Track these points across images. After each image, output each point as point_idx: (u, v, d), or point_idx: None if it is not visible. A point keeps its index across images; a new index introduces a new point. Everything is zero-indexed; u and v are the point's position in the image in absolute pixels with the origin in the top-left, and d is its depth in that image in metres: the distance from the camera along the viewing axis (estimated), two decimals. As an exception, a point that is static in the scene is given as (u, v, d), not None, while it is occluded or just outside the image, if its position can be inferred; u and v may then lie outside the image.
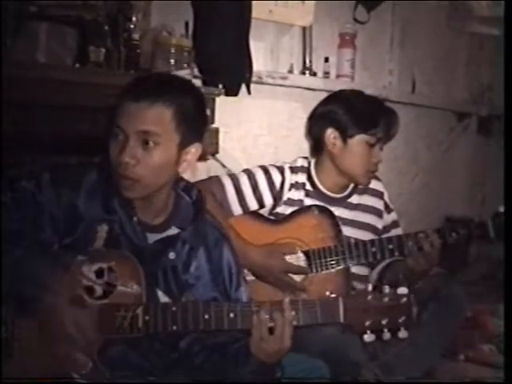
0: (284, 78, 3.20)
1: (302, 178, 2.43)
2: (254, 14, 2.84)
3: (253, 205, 2.37)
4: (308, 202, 2.41)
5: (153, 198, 1.75)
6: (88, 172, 1.74)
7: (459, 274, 3.65)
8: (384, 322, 1.64)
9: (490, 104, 4.25)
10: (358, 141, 2.37)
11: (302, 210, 2.39)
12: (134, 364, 1.70)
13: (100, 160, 1.76)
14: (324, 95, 3.30)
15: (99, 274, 1.63)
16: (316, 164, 2.46)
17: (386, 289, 1.67)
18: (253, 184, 2.37)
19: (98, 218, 1.70)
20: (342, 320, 1.66)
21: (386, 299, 1.66)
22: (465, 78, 4.28)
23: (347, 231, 2.40)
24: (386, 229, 2.51)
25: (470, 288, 3.17)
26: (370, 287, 1.69)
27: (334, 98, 2.52)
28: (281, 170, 2.41)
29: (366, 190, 2.51)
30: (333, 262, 2.33)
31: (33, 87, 2.17)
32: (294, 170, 2.43)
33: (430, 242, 2.27)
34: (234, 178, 2.38)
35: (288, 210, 2.39)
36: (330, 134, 2.40)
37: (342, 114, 2.40)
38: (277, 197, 2.38)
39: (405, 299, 1.66)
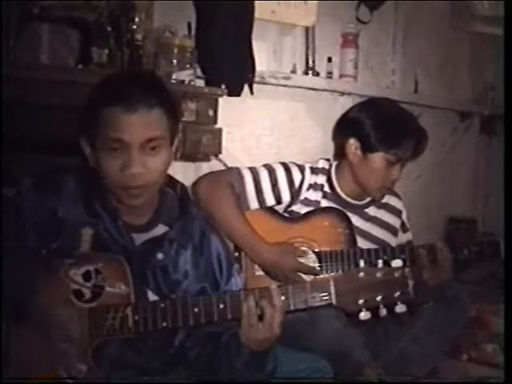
0: (287, 78, 3.20)
1: (321, 179, 2.42)
2: (257, 14, 2.84)
3: (270, 200, 2.37)
4: (324, 203, 2.40)
5: None
6: (68, 176, 1.73)
7: (462, 273, 3.65)
8: (378, 298, 1.61)
9: (493, 104, 4.24)
10: (378, 157, 2.35)
11: (318, 211, 2.39)
12: (129, 364, 1.69)
13: (79, 164, 1.75)
14: (327, 95, 3.34)
15: (87, 276, 1.63)
16: (337, 167, 2.45)
17: (379, 264, 1.64)
18: (272, 180, 2.36)
19: (82, 222, 1.69)
20: (334, 301, 1.63)
21: (379, 274, 1.62)
22: (468, 78, 4.27)
23: (359, 242, 2.39)
24: None
25: (474, 288, 3.17)
26: (361, 263, 1.66)
27: (365, 106, 2.48)
28: (301, 169, 2.40)
29: (385, 206, 2.50)
30: (343, 266, 2.32)
31: (35, 88, 2.17)
32: (314, 170, 2.42)
33: (442, 255, 2.26)
34: (254, 172, 2.38)
35: (303, 210, 2.39)
36: (352, 144, 2.39)
37: (367, 127, 2.37)
38: (294, 195, 2.38)
39: (399, 272, 1.62)
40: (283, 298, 1.63)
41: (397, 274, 1.62)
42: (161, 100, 1.66)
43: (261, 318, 1.62)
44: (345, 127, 2.47)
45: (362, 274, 1.63)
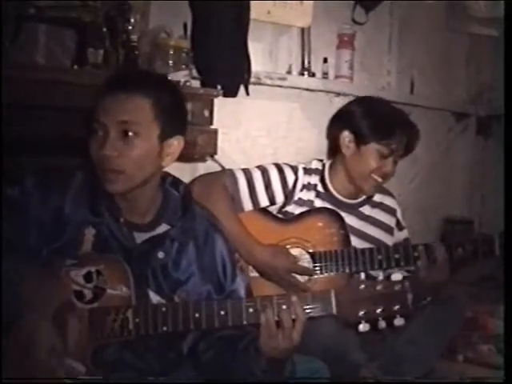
0: (282, 79, 3.20)
1: (314, 179, 2.43)
2: (253, 15, 2.85)
3: (264, 201, 2.37)
4: (318, 203, 2.41)
5: (138, 197, 1.74)
6: (73, 175, 1.74)
7: (458, 274, 3.65)
8: (378, 310, 1.63)
9: (488, 104, 4.25)
10: (371, 149, 2.36)
11: (312, 211, 2.39)
12: (131, 366, 1.69)
13: (84, 162, 1.76)
14: (323, 96, 3.34)
15: (88, 278, 1.63)
16: (330, 166, 2.46)
17: (380, 276, 1.66)
18: (266, 181, 2.37)
19: (85, 221, 1.69)
20: (334, 312, 1.64)
21: (380, 287, 1.64)
22: (463, 79, 4.28)
23: (353, 241, 2.39)
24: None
25: (470, 289, 3.17)
26: (362, 276, 1.68)
27: (358, 101, 2.53)
28: (295, 169, 2.41)
29: (379, 205, 2.51)
30: (338, 266, 2.32)
31: (31, 88, 2.17)
32: (307, 171, 2.43)
33: (438, 254, 2.25)
34: (247, 173, 2.38)
35: (297, 210, 2.39)
36: (346, 136, 2.41)
37: (360, 118, 2.40)
38: (288, 196, 2.38)
39: (399, 286, 1.64)
40: (284, 306, 1.63)
41: (397, 288, 1.64)
42: (147, 90, 1.68)
43: (279, 326, 1.63)
44: (339, 120, 2.50)
45: (362, 286, 1.65)
